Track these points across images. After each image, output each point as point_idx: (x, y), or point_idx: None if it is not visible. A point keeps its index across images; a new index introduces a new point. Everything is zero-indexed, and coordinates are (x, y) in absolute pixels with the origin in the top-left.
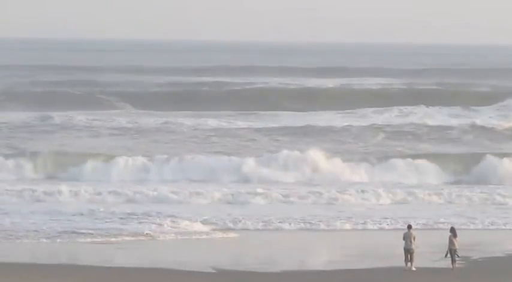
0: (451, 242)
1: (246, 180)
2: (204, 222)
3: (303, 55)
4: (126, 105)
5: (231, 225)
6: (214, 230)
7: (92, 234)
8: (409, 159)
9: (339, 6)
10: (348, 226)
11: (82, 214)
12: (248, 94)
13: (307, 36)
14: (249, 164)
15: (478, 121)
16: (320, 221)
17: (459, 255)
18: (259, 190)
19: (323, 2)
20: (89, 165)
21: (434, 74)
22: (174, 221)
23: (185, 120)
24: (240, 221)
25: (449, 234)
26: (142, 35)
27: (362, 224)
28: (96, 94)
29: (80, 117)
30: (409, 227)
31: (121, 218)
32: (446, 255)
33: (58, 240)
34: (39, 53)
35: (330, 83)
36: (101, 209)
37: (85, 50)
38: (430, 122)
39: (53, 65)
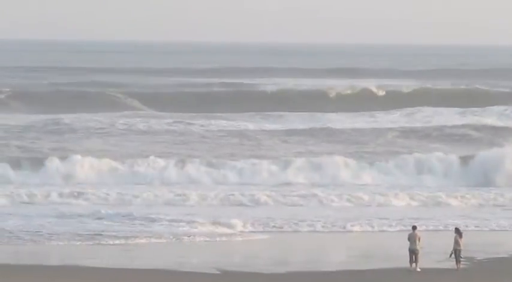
0: (456, 243)
1: (256, 182)
2: (217, 224)
3: (305, 56)
4: (137, 106)
5: (241, 227)
6: (234, 232)
7: (109, 236)
8: (418, 160)
9: (338, 6)
10: (356, 228)
11: (93, 216)
12: (258, 95)
13: (308, 36)
14: (262, 166)
15: (490, 121)
16: (327, 223)
17: (462, 256)
18: (268, 192)
19: (323, 2)
20: (99, 166)
21: (441, 74)
22: (189, 223)
23: (196, 121)
24: (249, 224)
25: (455, 234)
26: (139, 36)
27: (369, 225)
28: (106, 95)
29: (90, 118)
30: (414, 227)
31: (131, 220)
32: (450, 256)
33: (76, 242)
34: (39, 54)
35: (338, 84)
36: (112, 211)
37: (84, 52)
38: (440, 122)
39: (55, 66)
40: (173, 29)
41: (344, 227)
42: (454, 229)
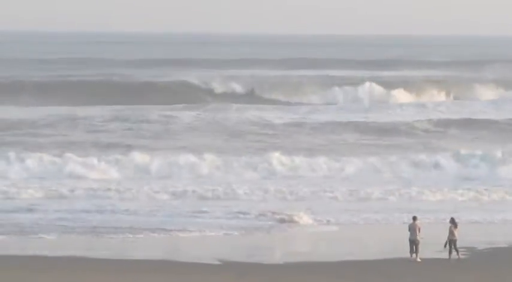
0: (451, 233)
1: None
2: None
3: (308, 47)
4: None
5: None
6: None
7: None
8: (430, 155)
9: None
10: (355, 220)
11: (145, 211)
12: (288, 86)
13: (309, 28)
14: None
15: None
16: (332, 216)
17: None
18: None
19: None
20: (154, 162)
21: (460, 66)
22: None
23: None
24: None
25: (450, 225)
26: (137, 28)
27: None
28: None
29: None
30: (415, 218)
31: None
32: (445, 246)
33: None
34: (41, 46)
35: (359, 75)
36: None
37: (90, 43)
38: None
39: (67, 58)
40: (175, 20)
41: (347, 220)
42: (449, 219)
